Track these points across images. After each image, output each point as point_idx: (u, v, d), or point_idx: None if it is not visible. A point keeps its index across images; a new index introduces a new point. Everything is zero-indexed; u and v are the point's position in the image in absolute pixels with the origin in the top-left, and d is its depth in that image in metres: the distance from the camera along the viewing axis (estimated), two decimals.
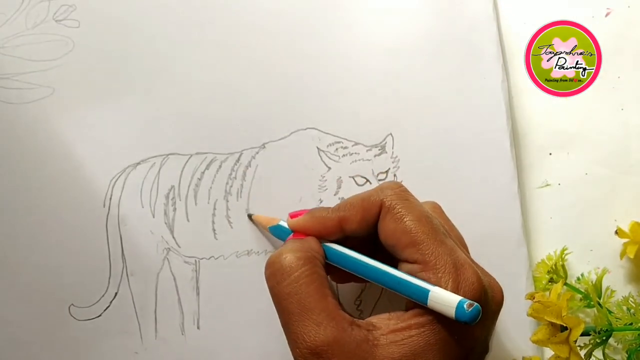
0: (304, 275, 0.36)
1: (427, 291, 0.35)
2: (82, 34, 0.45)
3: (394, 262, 0.38)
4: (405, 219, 0.37)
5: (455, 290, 0.35)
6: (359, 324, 0.36)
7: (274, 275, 0.36)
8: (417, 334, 0.35)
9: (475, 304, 0.33)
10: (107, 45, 0.45)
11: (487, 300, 0.37)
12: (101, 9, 0.45)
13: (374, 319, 0.36)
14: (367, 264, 0.38)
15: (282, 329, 0.36)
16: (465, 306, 0.33)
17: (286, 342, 0.38)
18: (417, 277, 0.36)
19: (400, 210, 0.37)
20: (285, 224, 0.41)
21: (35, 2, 0.44)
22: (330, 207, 0.39)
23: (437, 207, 0.42)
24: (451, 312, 0.34)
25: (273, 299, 0.37)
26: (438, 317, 0.35)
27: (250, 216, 0.45)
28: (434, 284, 0.35)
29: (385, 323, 0.36)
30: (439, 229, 0.37)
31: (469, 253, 0.41)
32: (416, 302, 0.35)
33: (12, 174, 0.44)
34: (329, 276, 0.38)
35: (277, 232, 0.42)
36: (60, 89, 0.44)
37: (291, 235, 0.40)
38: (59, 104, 0.44)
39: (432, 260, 0.36)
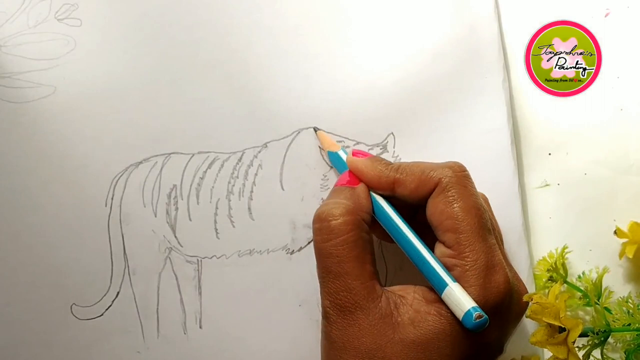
0: (350, 241, 0.37)
1: (445, 285, 0.35)
2: (83, 32, 0.44)
3: (432, 236, 0.38)
4: (455, 204, 0.37)
5: (481, 291, 0.35)
6: (388, 297, 0.37)
7: (321, 232, 0.37)
8: (435, 321, 0.36)
9: (485, 316, 0.34)
10: (109, 44, 0.45)
11: (512, 305, 0.37)
12: (103, 8, 0.45)
13: (401, 292, 0.37)
14: (404, 233, 0.38)
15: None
16: (474, 315, 0.34)
17: (287, 341, 0.39)
18: (447, 263, 0.36)
19: (454, 194, 0.37)
20: (344, 156, 0.42)
21: (36, 0, 0.44)
22: (391, 164, 0.40)
23: (487, 200, 0.42)
24: (460, 314, 0.34)
25: (315, 252, 0.38)
26: None
27: (315, 130, 0.44)
28: (461, 277, 0.36)
29: (410, 298, 0.37)
30: (485, 224, 0.37)
31: (504, 248, 0.41)
32: None
33: (14, 173, 0.44)
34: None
35: (334, 159, 0.43)
36: (62, 87, 0.44)
37: (345, 173, 0.41)
38: (61, 103, 0.44)
39: (467, 253, 0.36)
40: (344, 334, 0.36)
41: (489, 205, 0.42)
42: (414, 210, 0.41)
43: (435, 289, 0.36)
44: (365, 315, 0.36)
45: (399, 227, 0.39)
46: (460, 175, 0.38)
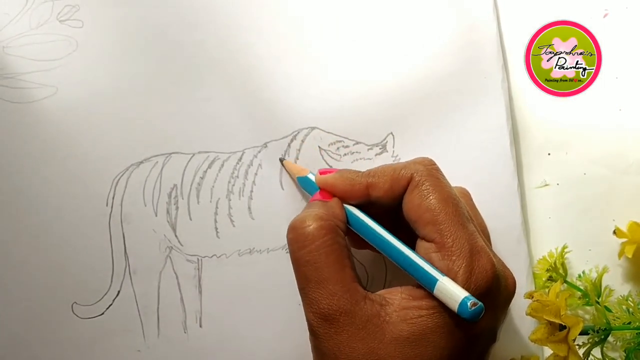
0: (325, 245, 0.36)
1: (435, 280, 0.35)
2: (85, 34, 0.45)
3: (413, 238, 0.38)
4: (430, 197, 0.37)
5: (468, 276, 0.35)
6: (372, 298, 0.36)
7: (296, 241, 0.37)
8: (427, 315, 0.35)
9: (479, 303, 0.34)
10: (110, 45, 0.45)
11: (499, 289, 0.37)
12: (104, 9, 0.45)
13: (386, 294, 0.37)
14: (383, 237, 0.38)
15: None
16: (468, 304, 0.34)
17: (288, 340, 0.39)
18: (431, 257, 0.36)
19: (428, 187, 0.37)
20: (313, 178, 0.42)
21: (39, 2, 0.44)
22: (360, 171, 0.40)
23: (466, 193, 0.42)
24: (454, 305, 0.34)
25: (292, 263, 0.37)
26: None
27: (281, 160, 0.45)
28: (447, 267, 0.36)
29: (397, 298, 0.37)
30: (462, 212, 0.37)
31: (489, 242, 0.41)
32: None
33: (15, 173, 0.44)
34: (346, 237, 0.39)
35: (304, 184, 0.43)
36: (64, 88, 0.44)
37: (317, 192, 0.41)
38: (63, 104, 0.44)
39: (449, 242, 0.36)
40: (333, 344, 0.35)
41: (469, 198, 0.42)
42: (394, 223, 0.40)
43: (424, 286, 0.36)
44: (352, 320, 0.35)
45: (378, 233, 0.38)
46: (431, 169, 0.38)
